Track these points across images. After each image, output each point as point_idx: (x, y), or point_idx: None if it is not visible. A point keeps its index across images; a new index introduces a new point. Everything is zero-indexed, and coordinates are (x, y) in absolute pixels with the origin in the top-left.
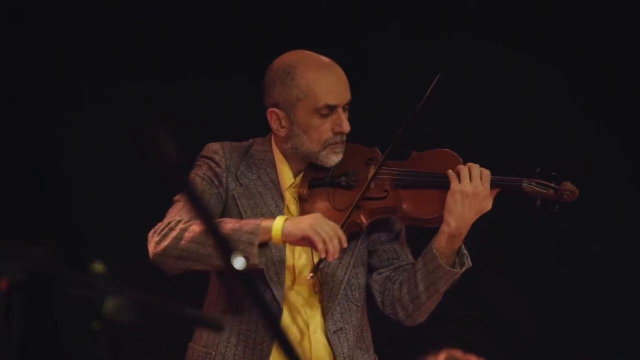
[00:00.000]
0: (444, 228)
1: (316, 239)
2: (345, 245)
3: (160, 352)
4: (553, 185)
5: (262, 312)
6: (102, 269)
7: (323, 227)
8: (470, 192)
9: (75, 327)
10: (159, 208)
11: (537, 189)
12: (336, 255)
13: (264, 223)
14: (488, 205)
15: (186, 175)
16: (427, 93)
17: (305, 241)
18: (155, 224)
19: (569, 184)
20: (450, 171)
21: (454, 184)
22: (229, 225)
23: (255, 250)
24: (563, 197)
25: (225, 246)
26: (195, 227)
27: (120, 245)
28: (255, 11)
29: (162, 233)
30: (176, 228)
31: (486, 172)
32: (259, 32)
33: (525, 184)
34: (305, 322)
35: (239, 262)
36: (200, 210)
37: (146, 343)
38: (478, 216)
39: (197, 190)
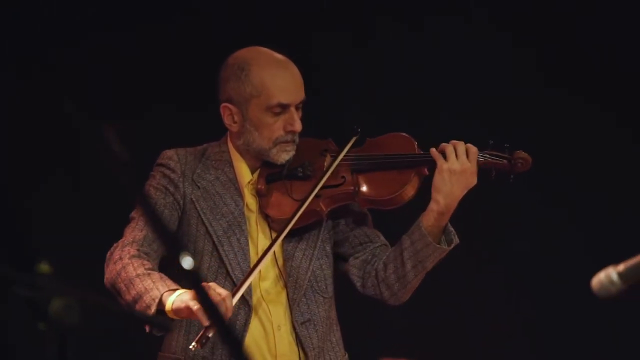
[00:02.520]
0: (433, 206)
1: (195, 308)
2: (230, 314)
3: None
4: (506, 155)
5: (223, 334)
6: (48, 270)
7: (208, 294)
8: (458, 169)
9: (22, 328)
10: (105, 210)
11: (491, 160)
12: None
13: (165, 295)
14: (474, 180)
15: (133, 175)
16: (344, 152)
17: (192, 313)
18: (100, 226)
19: (522, 152)
20: (433, 150)
21: (441, 162)
22: (146, 282)
23: (150, 314)
24: (517, 166)
25: (175, 247)
26: (130, 270)
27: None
28: (255, 11)
29: (114, 260)
30: (123, 258)
31: (473, 150)
32: (259, 32)
33: (479, 156)
34: (269, 318)
35: (187, 262)
36: (153, 219)
37: (116, 353)
38: (465, 192)
39: (150, 202)
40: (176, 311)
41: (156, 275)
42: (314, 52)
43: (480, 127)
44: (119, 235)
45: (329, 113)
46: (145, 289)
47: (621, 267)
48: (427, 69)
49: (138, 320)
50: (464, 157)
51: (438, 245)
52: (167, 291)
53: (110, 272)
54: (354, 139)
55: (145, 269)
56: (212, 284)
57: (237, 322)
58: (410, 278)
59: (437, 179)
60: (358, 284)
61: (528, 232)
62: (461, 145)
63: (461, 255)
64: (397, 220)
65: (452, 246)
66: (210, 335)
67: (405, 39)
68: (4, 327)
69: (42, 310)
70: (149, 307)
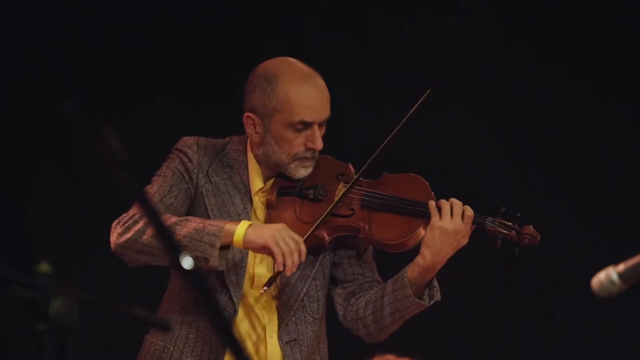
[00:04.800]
0: (419, 261)
1: (275, 251)
2: (304, 259)
3: (117, 342)
4: (516, 227)
5: (214, 317)
6: (48, 270)
7: (285, 239)
8: (450, 229)
9: (22, 328)
10: (105, 210)
11: (499, 229)
12: (294, 270)
13: (227, 226)
14: (465, 241)
15: (130, 173)
16: (415, 108)
17: (265, 250)
18: (100, 226)
19: (531, 228)
20: (432, 204)
21: (434, 219)
22: (192, 224)
23: (216, 252)
24: (524, 241)
25: (174, 246)
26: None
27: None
28: (256, 11)
29: (126, 225)
30: (140, 221)
31: (469, 213)
32: (259, 32)
33: (488, 223)
34: (263, 326)
35: (187, 262)
36: (151, 214)
37: (116, 353)
38: (455, 252)
39: (150, 199)
40: (248, 242)
41: (197, 218)
42: (314, 52)
43: (480, 127)
44: None
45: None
46: (195, 229)
47: (621, 267)
48: (426, 68)
49: (138, 320)
50: (459, 218)
51: (417, 300)
52: (227, 222)
53: (122, 236)
54: (428, 91)
55: (179, 218)
56: (284, 225)
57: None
58: (386, 323)
59: (428, 236)
60: (340, 314)
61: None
62: (458, 206)
63: (458, 259)
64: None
65: (432, 302)
66: (278, 279)
67: (405, 39)
68: (4, 328)
69: (42, 310)
70: (211, 244)
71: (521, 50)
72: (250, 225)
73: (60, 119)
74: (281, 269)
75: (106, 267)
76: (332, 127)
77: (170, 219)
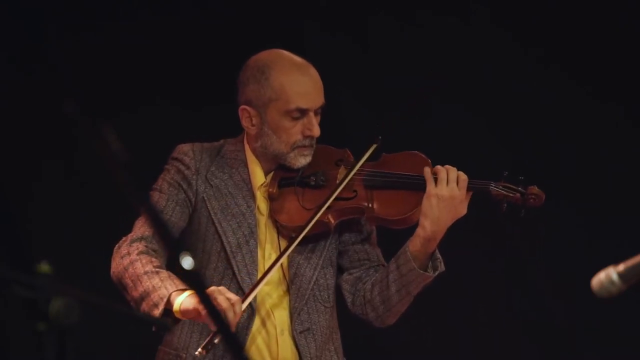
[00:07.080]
0: (419, 232)
1: (204, 313)
2: (238, 318)
3: (130, 355)
4: (520, 189)
5: (226, 338)
6: (48, 270)
7: (217, 298)
8: (447, 196)
9: (21, 329)
10: (106, 210)
11: (504, 192)
12: (231, 328)
13: (174, 294)
14: (463, 209)
15: (130, 173)
16: (363, 159)
17: (200, 315)
18: (101, 226)
19: (535, 188)
20: (427, 172)
21: (430, 187)
22: (153, 280)
23: (157, 314)
24: (529, 201)
25: (175, 247)
26: (138, 266)
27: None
28: (255, 11)
29: (122, 255)
30: (131, 254)
31: (463, 177)
32: (258, 31)
33: (492, 187)
34: (273, 322)
35: (187, 262)
36: (154, 220)
37: (116, 345)
38: (454, 220)
39: (152, 202)
40: (184, 312)
41: (164, 273)
42: (314, 52)
43: (480, 127)
44: (119, 235)
45: (328, 114)
46: (153, 287)
47: (621, 267)
48: (427, 68)
49: (139, 320)
50: (454, 184)
51: (422, 272)
52: (175, 291)
53: (117, 266)
54: (373, 146)
55: (154, 266)
56: (222, 288)
57: (239, 324)
58: (394, 301)
59: (425, 204)
60: (348, 301)
61: (529, 231)
62: (453, 172)
63: (462, 254)
64: (404, 236)
65: (436, 273)
66: (216, 341)
67: (405, 39)
68: (4, 328)
69: (42, 310)
70: (156, 305)
71: (521, 50)
72: (190, 294)
73: (60, 119)
74: (214, 328)
75: (106, 267)
76: (333, 126)
77: (144, 268)
